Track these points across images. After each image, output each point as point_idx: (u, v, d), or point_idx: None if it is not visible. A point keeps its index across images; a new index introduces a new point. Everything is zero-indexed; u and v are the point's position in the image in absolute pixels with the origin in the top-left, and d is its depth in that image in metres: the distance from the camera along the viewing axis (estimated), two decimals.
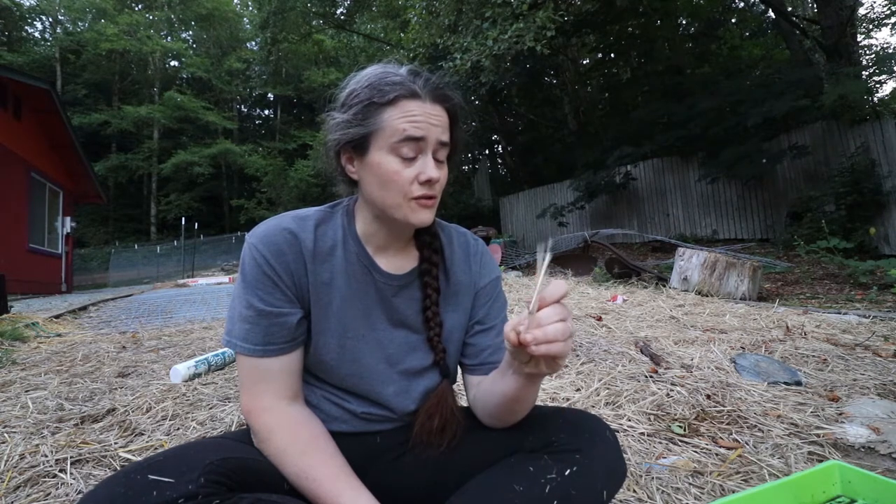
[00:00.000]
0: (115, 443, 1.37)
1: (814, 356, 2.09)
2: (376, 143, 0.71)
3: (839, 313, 3.21)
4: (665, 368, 1.94)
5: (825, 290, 4.71)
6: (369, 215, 0.78)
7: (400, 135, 0.70)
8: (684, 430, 1.36)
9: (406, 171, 0.71)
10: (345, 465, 0.71)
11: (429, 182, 0.71)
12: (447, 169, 0.76)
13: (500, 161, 19.81)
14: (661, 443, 1.30)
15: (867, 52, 13.43)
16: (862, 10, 12.80)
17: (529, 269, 7.36)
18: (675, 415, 1.46)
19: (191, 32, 31.22)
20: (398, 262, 0.82)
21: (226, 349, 2.32)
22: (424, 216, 0.73)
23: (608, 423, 1.01)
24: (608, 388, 1.69)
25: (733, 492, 1.03)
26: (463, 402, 0.88)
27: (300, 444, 0.71)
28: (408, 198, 0.72)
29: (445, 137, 0.73)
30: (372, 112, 0.71)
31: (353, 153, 0.75)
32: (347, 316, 0.78)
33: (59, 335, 3.51)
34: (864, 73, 8.33)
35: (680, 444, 1.29)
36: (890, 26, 13.13)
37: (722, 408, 1.50)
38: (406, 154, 0.71)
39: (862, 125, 7.03)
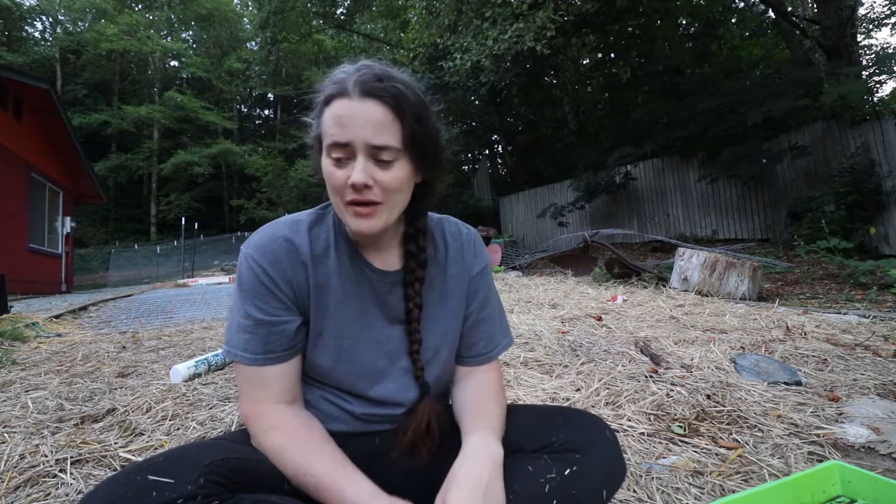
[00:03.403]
0: (115, 443, 1.37)
1: (814, 356, 2.08)
2: (323, 144, 0.70)
3: (839, 313, 3.21)
4: (665, 368, 1.94)
5: (825, 290, 4.71)
6: None
7: (329, 139, 0.68)
8: (684, 430, 1.36)
9: (339, 174, 0.68)
10: (343, 458, 0.71)
11: (356, 187, 0.67)
12: (398, 170, 0.69)
13: (500, 161, 19.78)
14: (661, 443, 1.30)
15: (867, 52, 13.46)
16: (862, 10, 12.83)
17: (529, 268, 7.35)
18: (675, 415, 1.46)
19: (191, 32, 31.26)
20: (391, 259, 0.81)
21: None
22: (360, 224, 0.69)
23: (608, 422, 1.01)
24: (608, 388, 1.69)
25: (733, 492, 1.03)
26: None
27: (299, 441, 0.71)
28: (344, 202, 0.69)
29: (379, 140, 0.66)
30: (320, 113, 0.71)
31: (317, 154, 0.74)
32: (344, 317, 0.78)
33: (59, 335, 3.51)
34: (864, 73, 8.33)
35: (680, 444, 1.29)
36: (890, 26, 13.16)
37: (722, 408, 1.50)
38: (338, 158, 0.68)
39: (862, 125, 7.02)
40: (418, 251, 0.80)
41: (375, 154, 0.67)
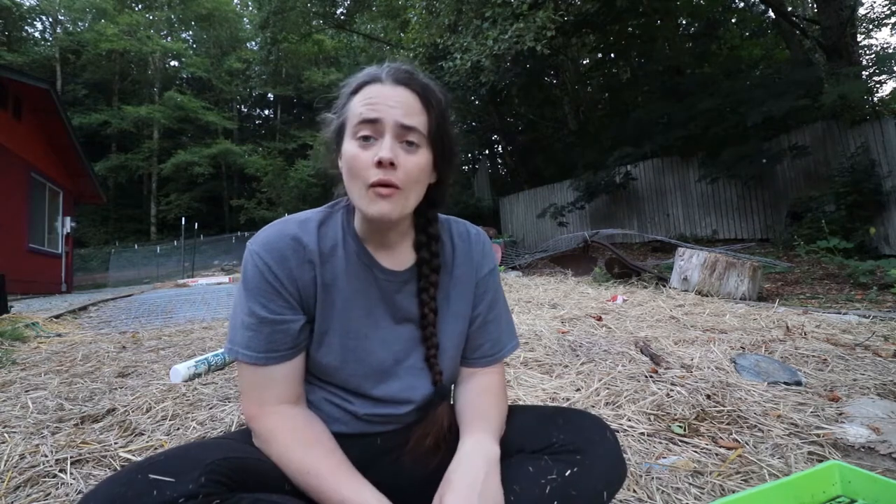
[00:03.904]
0: (115, 443, 1.37)
1: (814, 356, 2.08)
2: (346, 131, 0.73)
3: (839, 313, 3.21)
4: (665, 368, 1.94)
5: (825, 290, 4.71)
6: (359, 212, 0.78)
7: (357, 118, 0.70)
8: (684, 430, 1.36)
9: (364, 155, 0.69)
10: (345, 460, 0.71)
11: (382, 164, 0.68)
12: (421, 157, 0.71)
13: (500, 161, 19.80)
14: (661, 443, 1.30)
15: (867, 52, 13.44)
16: (862, 10, 12.81)
17: (529, 268, 7.36)
18: (675, 415, 1.46)
19: (191, 32, 31.26)
20: (400, 258, 0.81)
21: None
22: (380, 207, 0.69)
23: (608, 423, 1.01)
24: (608, 388, 1.69)
25: (733, 492, 1.03)
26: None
27: (301, 441, 0.71)
28: (367, 185, 0.69)
29: (409, 121, 0.69)
30: (344, 103, 0.74)
31: (336, 147, 0.76)
32: (350, 316, 0.77)
33: (59, 335, 3.51)
34: (864, 73, 8.32)
35: (680, 444, 1.29)
36: (890, 26, 13.13)
37: (722, 408, 1.50)
38: (365, 138, 0.70)
39: (862, 125, 7.02)
40: (431, 257, 0.80)
41: (403, 135, 0.70)
